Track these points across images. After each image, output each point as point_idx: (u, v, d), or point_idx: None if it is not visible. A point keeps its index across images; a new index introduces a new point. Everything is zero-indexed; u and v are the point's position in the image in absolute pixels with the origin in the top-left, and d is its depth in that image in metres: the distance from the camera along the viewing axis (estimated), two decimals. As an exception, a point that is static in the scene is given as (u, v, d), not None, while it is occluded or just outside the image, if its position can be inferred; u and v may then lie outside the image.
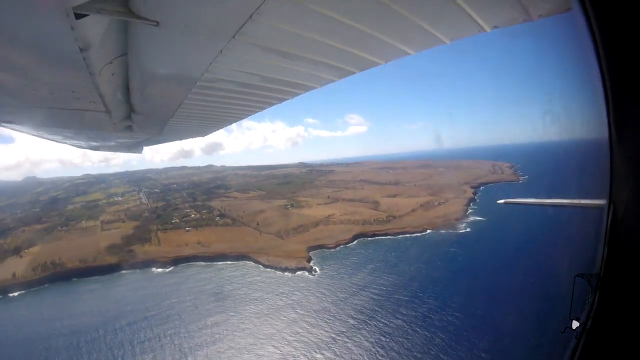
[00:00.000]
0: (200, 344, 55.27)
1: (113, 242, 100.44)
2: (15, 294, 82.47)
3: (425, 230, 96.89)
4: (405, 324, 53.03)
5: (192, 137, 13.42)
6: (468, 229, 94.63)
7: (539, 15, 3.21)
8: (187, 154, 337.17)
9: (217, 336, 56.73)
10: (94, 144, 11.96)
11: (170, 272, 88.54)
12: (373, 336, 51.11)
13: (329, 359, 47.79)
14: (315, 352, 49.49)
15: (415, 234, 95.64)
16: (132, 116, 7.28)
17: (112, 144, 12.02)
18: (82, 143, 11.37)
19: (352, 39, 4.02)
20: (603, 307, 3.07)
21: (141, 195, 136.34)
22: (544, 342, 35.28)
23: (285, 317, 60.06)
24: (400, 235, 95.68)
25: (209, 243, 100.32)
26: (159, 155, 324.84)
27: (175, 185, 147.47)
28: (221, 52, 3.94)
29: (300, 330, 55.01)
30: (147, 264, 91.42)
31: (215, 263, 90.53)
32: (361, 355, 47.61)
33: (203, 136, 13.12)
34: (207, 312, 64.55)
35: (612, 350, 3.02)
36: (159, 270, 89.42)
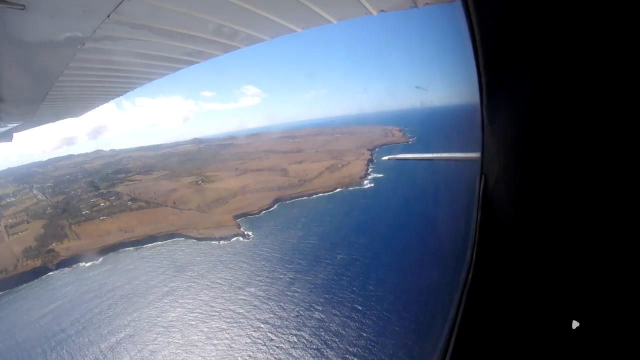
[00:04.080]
0: (165, 310, 62.80)
1: (27, 245, 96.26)
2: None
3: (336, 189, 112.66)
4: (346, 257, 68.31)
5: (67, 117, 13.11)
6: (372, 184, 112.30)
7: (425, 3, 3.61)
8: (70, 140, 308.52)
9: (180, 301, 64.85)
10: None
11: (101, 263, 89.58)
12: (322, 272, 65.08)
13: (296, 292, 60.00)
14: (286, 289, 61.69)
15: (327, 193, 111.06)
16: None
17: None
18: None
19: (235, 16, 4.26)
20: (477, 267, 3.41)
21: (35, 191, 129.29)
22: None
23: (240, 271, 70.92)
24: (314, 196, 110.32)
25: (131, 228, 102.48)
26: (40, 147, 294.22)
27: (67, 176, 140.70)
28: (95, 32, 3.99)
29: (262, 279, 66.57)
30: (74, 260, 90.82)
31: (146, 245, 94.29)
32: (319, 284, 61.33)
33: (78, 116, 13.09)
34: (162, 284, 71.87)
35: (489, 294, 3.28)
36: (89, 264, 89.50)
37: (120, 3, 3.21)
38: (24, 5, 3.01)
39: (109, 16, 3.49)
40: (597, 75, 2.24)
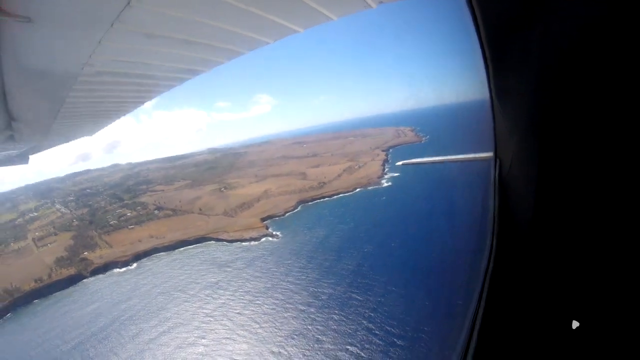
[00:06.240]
0: (207, 302, 68.36)
1: (59, 255, 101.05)
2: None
3: (355, 189, 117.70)
4: (373, 249, 73.49)
5: (81, 136, 13.14)
6: (390, 183, 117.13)
7: None
8: (85, 156, 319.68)
9: (220, 292, 70.53)
10: None
11: (135, 268, 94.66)
12: (353, 261, 70.08)
13: (331, 279, 65.15)
14: (319, 278, 66.85)
15: (348, 193, 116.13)
16: (13, 125, 7.22)
17: None
18: None
19: (237, 20, 4.22)
20: (498, 254, 3.37)
21: (57, 206, 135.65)
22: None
23: (275, 266, 76.24)
24: (335, 196, 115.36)
25: (161, 234, 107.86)
26: (56, 163, 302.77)
27: (89, 190, 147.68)
28: (100, 42, 3.97)
29: (297, 270, 72.01)
30: (108, 267, 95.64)
31: (178, 249, 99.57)
32: (352, 270, 66.58)
33: (92, 135, 12.96)
34: (200, 280, 77.36)
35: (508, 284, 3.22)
36: (123, 269, 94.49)
37: (122, 11, 3.36)
38: (29, 18, 3.13)
39: (112, 25, 3.63)
40: (610, 41, 2.13)
